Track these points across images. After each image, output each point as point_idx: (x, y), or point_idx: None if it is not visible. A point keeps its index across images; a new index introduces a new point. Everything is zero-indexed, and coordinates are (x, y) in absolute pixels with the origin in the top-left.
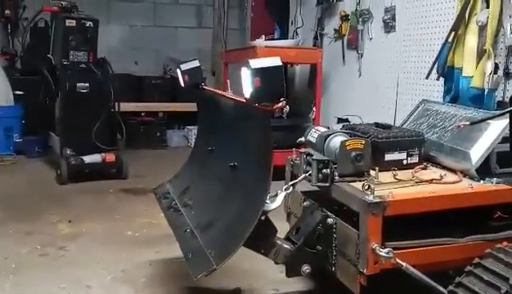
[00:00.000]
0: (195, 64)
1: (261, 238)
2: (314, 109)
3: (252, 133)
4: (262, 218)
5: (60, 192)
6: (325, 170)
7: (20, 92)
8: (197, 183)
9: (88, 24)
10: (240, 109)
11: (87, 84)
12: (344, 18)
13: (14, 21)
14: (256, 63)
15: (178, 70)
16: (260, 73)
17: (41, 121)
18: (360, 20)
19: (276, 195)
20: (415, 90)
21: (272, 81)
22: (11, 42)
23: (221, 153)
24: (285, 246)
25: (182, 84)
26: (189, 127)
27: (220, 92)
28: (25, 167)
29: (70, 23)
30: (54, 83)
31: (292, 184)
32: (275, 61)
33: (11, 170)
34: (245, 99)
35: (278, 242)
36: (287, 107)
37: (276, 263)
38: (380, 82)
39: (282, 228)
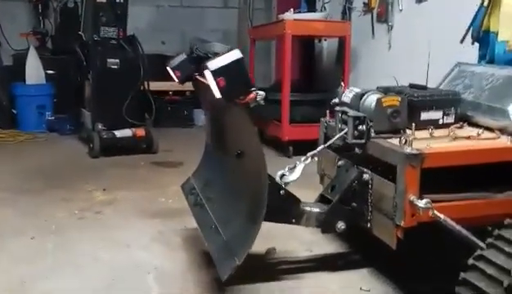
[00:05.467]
0: (182, 57)
1: (287, 212)
2: (343, 83)
3: (237, 127)
4: (282, 193)
5: (93, 164)
6: (361, 126)
7: (52, 71)
8: (214, 174)
9: (118, 0)
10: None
11: (117, 60)
12: None
13: (44, 2)
14: (215, 63)
15: (169, 68)
16: (222, 71)
17: (72, 99)
18: None
19: (295, 167)
20: (447, 61)
21: (237, 75)
22: (42, 22)
23: (223, 143)
24: (315, 210)
25: (176, 80)
26: None
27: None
28: (58, 144)
29: None
30: (85, 60)
31: (311, 155)
32: (234, 55)
33: (45, 146)
34: (218, 100)
35: (307, 208)
36: (262, 94)
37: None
38: (411, 54)
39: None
